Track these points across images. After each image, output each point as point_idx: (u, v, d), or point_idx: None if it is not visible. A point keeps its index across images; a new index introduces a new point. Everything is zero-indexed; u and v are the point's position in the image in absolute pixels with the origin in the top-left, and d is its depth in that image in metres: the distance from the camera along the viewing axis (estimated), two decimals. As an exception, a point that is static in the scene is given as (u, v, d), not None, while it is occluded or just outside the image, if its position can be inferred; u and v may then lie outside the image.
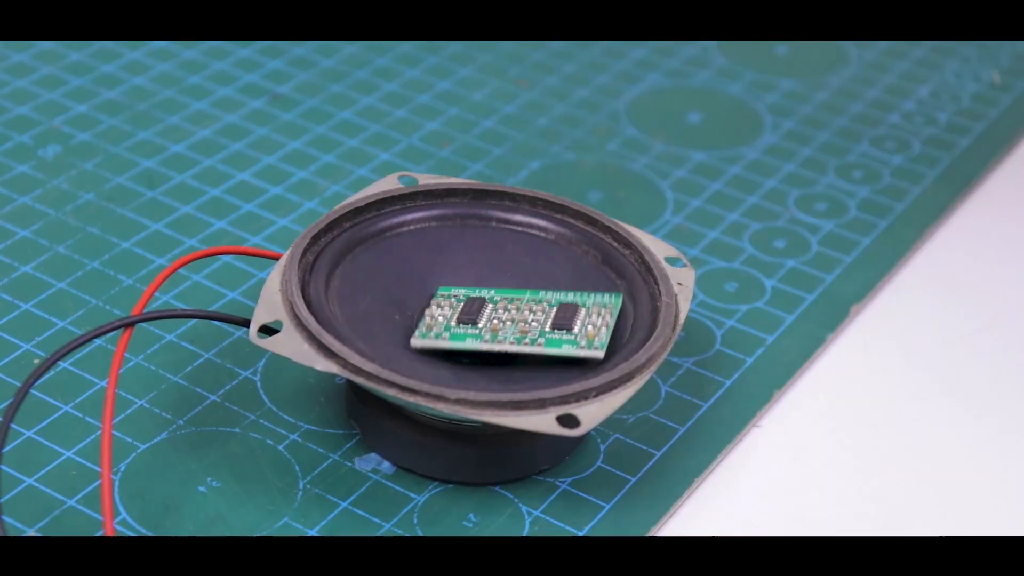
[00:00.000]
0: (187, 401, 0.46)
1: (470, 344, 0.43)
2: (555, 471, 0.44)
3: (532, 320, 0.44)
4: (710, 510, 0.44)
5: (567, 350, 0.43)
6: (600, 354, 0.43)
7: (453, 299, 0.45)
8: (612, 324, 0.44)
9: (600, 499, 0.44)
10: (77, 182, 0.54)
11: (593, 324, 0.44)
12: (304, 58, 0.62)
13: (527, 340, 0.43)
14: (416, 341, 0.44)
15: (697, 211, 0.55)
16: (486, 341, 0.43)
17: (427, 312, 0.44)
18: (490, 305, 0.44)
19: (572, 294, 0.45)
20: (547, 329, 0.44)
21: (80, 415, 0.45)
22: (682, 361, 0.48)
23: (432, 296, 0.45)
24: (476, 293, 0.45)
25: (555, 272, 0.46)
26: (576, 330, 0.43)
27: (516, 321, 0.44)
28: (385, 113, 0.59)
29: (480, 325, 0.44)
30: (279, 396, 0.46)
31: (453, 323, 0.44)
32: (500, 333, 0.44)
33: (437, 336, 0.43)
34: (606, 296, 0.45)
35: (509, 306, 0.44)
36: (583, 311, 0.44)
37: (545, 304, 0.45)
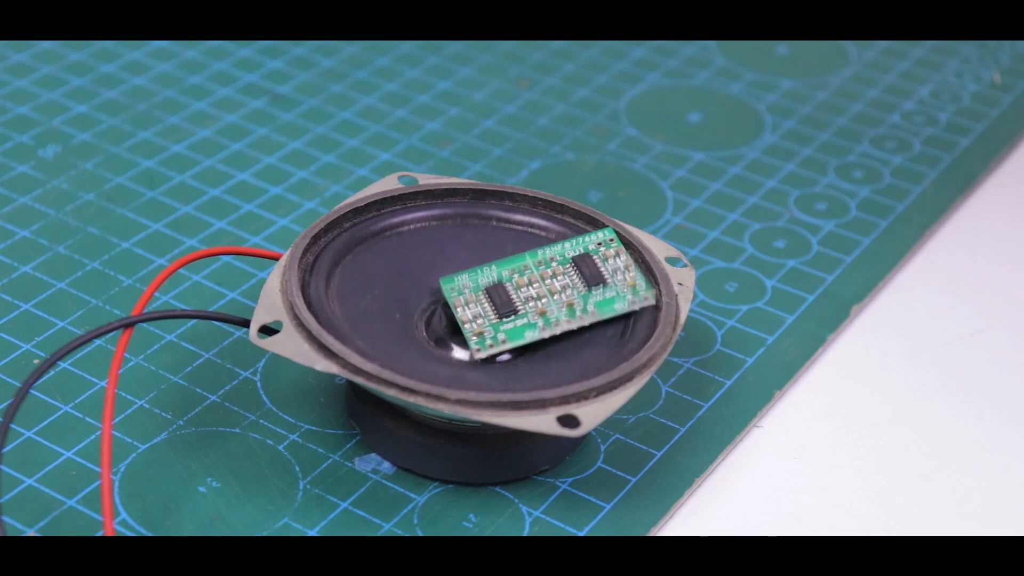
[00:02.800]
0: (187, 401, 0.46)
1: (530, 337, 0.44)
2: (555, 471, 0.44)
3: (563, 287, 0.44)
4: (710, 510, 0.44)
5: (621, 308, 0.44)
6: (652, 299, 0.44)
7: (467, 291, 0.45)
8: (630, 258, 0.45)
9: (600, 499, 0.44)
10: (77, 182, 0.54)
11: (619, 269, 0.44)
12: (304, 58, 0.62)
13: (580, 313, 0.44)
14: (480, 354, 0.43)
15: (697, 211, 0.55)
16: (543, 328, 0.44)
17: (459, 316, 0.44)
18: (509, 285, 0.45)
19: (566, 244, 0.45)
20: (585, 291, 0.44)
21: (80, 415, 0.45)
22: (682, 361, 0.48)
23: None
24: (479, 276, 0.45)
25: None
26: (610, 281, 0.44)
27: (552, 293, 0.44)
28: (385, 113, 0.59)
29: (521, 310, 0.44)
30: (279, 396, 0.46)
31: (494, 319, 0.44)
32: (549, 315, 0.44)
33: (495, 340, 0.44)
34: (599, 234, 0.46)
35: (527, 278, 0.45)
36: (597, 257, 0.45)
37: (556, 264, 0.45)
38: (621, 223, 0.47)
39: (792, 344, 0.49)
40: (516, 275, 0.45)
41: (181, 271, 0.50)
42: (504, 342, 0.44)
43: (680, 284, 0.45)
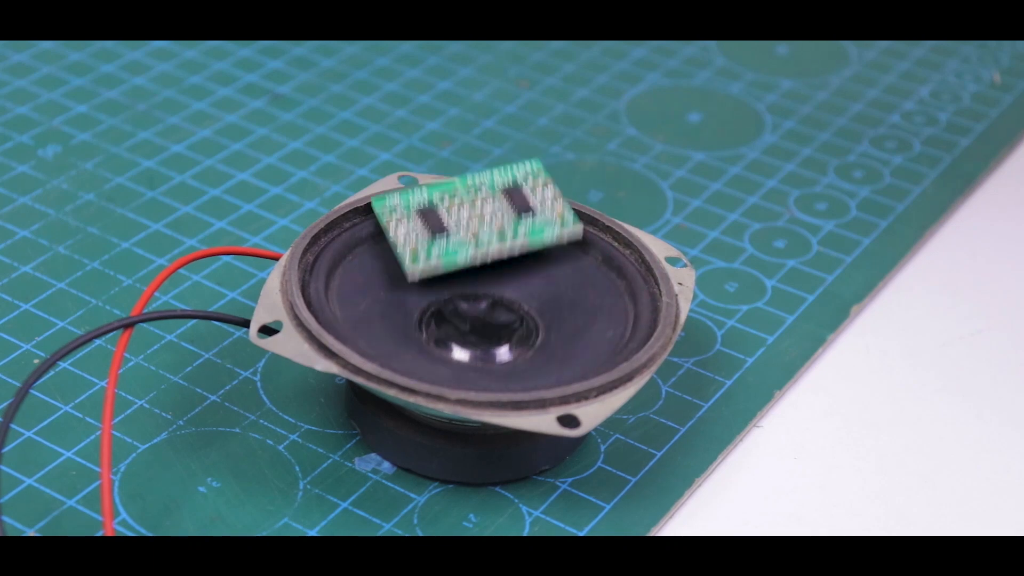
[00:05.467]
0: (187, 401, 0.46)
1: (463, 258, 0.44)
2: (555, 471, 0.44)
3: (492, 213, 0.45)
4: (710, 510, 0.44)
5: (550, 237, 0.45)
6: (579, 229, 0.45)
7: (399, 209, 0.45)
8: (558, 190, 0.46)
9: (600, 499, 0.44)
10: (77, 182, 0.54)
11: (547, 199, 0.46)
12: (304, 58, 0.62)
13: (511, 237, 0.45)
14: (414, 272, 0.44)
15: (697, 211, 0.55)
16: (475, 250, 0.45)
17: (392, 234, 0.45)
18: (441, 207, 0.45)
19: (495, 172, 0.46)
20: (515, 217, 0.45)
21: (80, 415, 0.45)
22: (682, 361, 0.48)
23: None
24: (411, 197, 0.46)
25: (554, 271, 0.46)
26: (538, 208, 0.45)
27: (483, 218, 0.45)
28: (385, 113, 0.59)
29: (453, 231, 0.45)
30: (279, 396, 0.46)
31: (426, 237, 0.45)
32: (481, 235, 0.45)
33: (428, 256, 0.44)
34: (526, 164, 0.47)
35: (457, 202, 0.46)
36: (526, 187, 0.46)
37: (485, 190, 0.46)
38: (621, 223, 0.47)
39: (792, 344, 0.49)
40: (447, 198, 0.46)
41: (181, 271, 0.50)
42: (438, 259, 0.44)
43: (680, 284, 0.45)
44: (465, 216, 0.45)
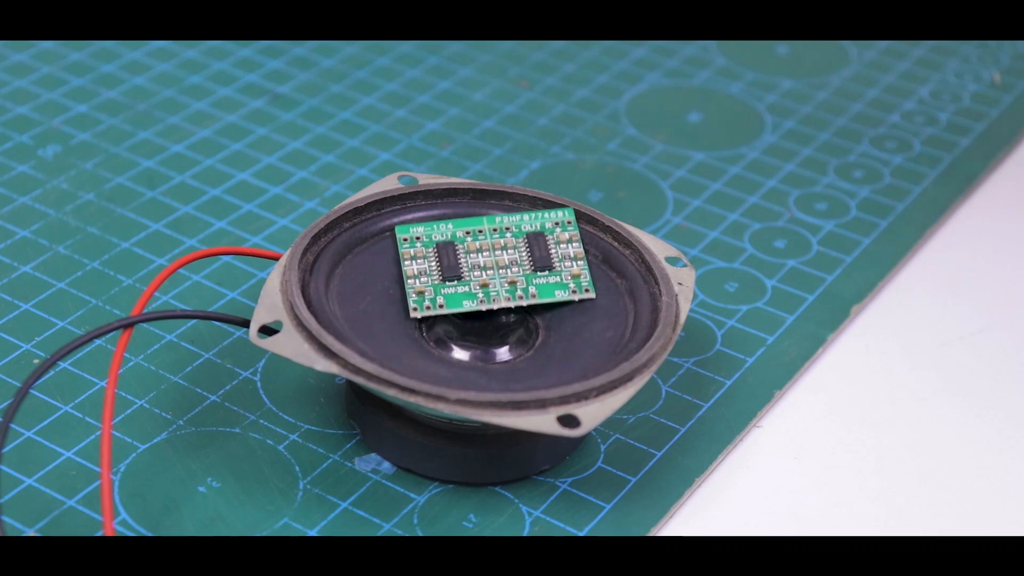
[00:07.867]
0: (187, 401, 0.46)
1: (467, 307, 0.44)
2: (555, 471, 0.44)
3: (510, 262, 0.45)
4: (710, 510, 0.44)
5: (561, 295, 0.45)
6: (593, 295, 0.45)
7: (420, 244, 0.45)
8: (583, 250, 0.46)
9: (600, 499, 0.44)
10: (77, 182, 0.54)
11: (568, 257, 0.45)
12: (304, 58, 0.62)
13: (520, 292, 0.44)
14: (416, 314, 0.44)
15: (697, 211, 0.55)
16: (482, 301, 0.44)
17: (405, 270, 0.45)
18: (460, 247, 0.45)
19: (528, 216, 0.46)
20: (530, 271, 0.45)
21: (80, 415, 0.45)
22: (682, 361, 0.48)
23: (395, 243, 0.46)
24: (434, 231, 0.46)
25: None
26: (557, 266, 0.45)
27: (497, 267, 0.45)
28: (385, 113, 0.59)
29: (465, 277, 0.45)
30: (279, 396, 0.46)
31: (437, 280, 0.44)
32: (491, 288, 0.44)
33: (433, 303, 0.44)
34: (558, 212, 0.46)
35: (479, 243, 0.45)
36: (551, 239, 0.46)
37: (510, 235, 0.46)
38: (621, 223, 0.47)
39: (792, 344, 0.49)
40: (469, 238, 0.45)
41: (181, 271, 0.50)
42: (442, 307, 0.44)
43: (680, 284, 0.45)
44: (482, 260, 0.45)
